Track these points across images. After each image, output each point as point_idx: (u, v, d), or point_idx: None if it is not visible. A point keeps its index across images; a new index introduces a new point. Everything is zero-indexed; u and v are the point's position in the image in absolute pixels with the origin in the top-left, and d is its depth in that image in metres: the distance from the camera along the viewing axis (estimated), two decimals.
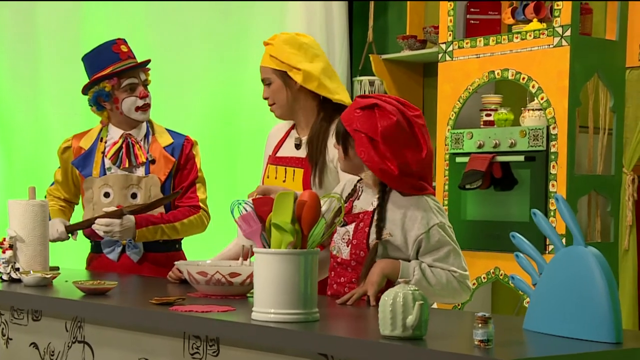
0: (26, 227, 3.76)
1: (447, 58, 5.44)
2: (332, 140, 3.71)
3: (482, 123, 5.36)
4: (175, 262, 3.47)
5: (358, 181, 3.36)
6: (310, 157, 3.77)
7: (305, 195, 2.80)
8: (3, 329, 3.52)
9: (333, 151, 3.73)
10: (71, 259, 4.98)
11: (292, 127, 3.95)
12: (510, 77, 5.14)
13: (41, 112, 5.89)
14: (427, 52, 6.02)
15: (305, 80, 3.79)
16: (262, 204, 2.89)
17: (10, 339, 3.49)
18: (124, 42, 4.30)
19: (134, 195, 4.19)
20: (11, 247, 3.73)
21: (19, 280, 3.66)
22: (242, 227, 2.90)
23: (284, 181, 3.82)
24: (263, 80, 3.88)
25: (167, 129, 4.38)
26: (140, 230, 4.12)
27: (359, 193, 3.33)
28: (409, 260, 3.17)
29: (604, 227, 5.21)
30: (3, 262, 3.70)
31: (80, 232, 4.28)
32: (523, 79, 5.08)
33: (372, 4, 6.50)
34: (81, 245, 4.47)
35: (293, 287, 2.70)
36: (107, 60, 4.23)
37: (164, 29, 6.09)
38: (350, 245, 3.24)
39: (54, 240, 4.15)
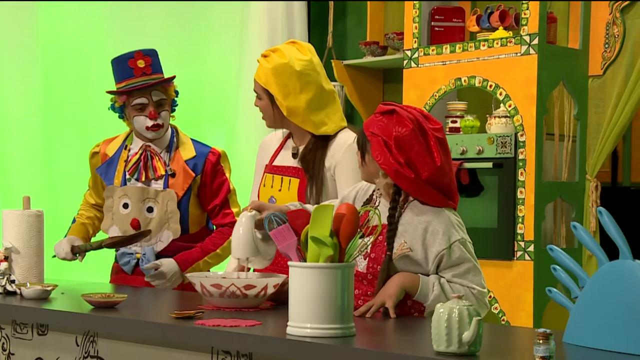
0: (22, 238, 3.64)
1: (413, 64, 5.45)
2: (329, 155, 3.70)
3: (447, 130, 5.39)
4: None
5: (373, 190, 3.33)
6: (305, 171, 3.73)
7: (343, 208, 2.77)
8: (4, 343, 3.40)
9: (329, 161, 3.71)
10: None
11: (288, 137, 3.90)
12: (477, 85, 5.18)
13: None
14: (390, 59, 6.02)
15: (289, 114, 3.73)
16: (297, 217, 2.86)
17: (12, 354, 3.37)
18: (144, 55, 4.06)
19: (149, 209, 4.05)
20: (6, 258, 3.61)
21: (14, 293, 3.54)
22: (277, 240, 2.85)
23: (280, 190, 3.77)
24: (255, 91, 3.82)
25: (192, 139, 4.19)
26: (186, 273, 3.95)
27: (376, 203, 3.29)
28: (428, 275, 3.16)
29: (569, 234, 5.28)
30: None
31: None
32: (490, 86, 5.12)
33: (331, 6, 6.47)
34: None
35: (330, 301, 2.67)
36: (122, 75, 4.04)
37: (122, 29, 5.96)
38: (367, 259, 3.20)
39: (61, 259, 4.04)
